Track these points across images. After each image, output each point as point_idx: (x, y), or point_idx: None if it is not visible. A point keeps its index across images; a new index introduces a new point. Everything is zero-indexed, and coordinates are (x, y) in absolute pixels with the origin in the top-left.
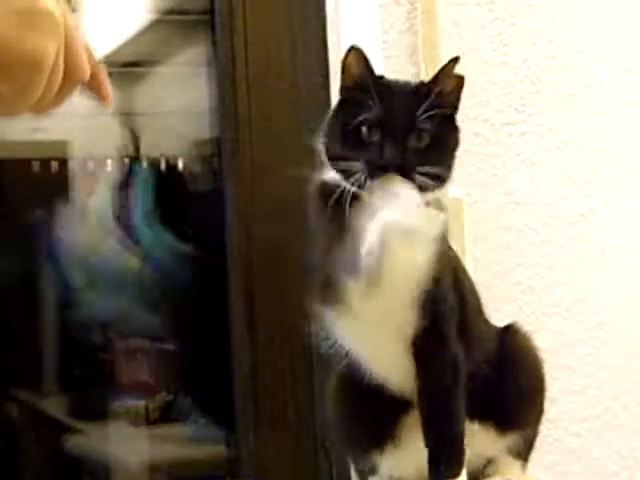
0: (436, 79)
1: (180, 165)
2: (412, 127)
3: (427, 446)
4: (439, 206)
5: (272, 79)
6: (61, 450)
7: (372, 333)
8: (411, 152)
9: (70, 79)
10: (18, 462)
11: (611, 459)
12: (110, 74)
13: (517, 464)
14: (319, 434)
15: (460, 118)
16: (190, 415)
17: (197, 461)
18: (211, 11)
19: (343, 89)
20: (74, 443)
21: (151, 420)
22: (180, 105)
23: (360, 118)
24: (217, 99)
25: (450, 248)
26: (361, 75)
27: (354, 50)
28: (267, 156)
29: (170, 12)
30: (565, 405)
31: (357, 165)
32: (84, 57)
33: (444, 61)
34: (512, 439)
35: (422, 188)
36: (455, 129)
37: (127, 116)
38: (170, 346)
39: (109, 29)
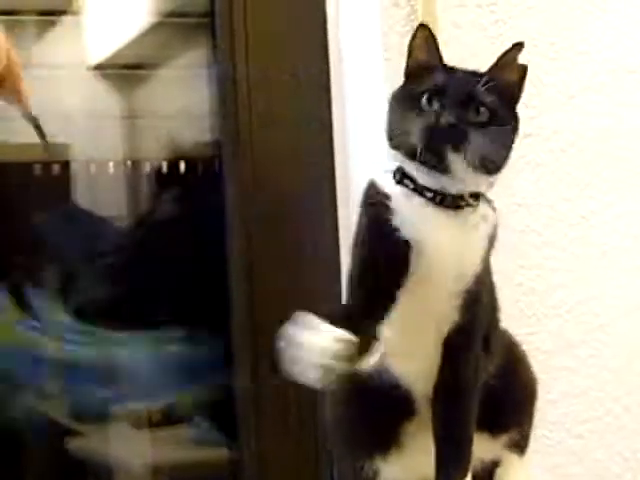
0: (497, 63)
1: (181, 167)
2: (472, 99)
3: (437, 446)
4: (492, 207)
5: (272, 81)
6: (63, 453)
7: (412, 324)
8: (469, 124)
9: None
10: (20, 465)
11: (613, 461)
12: (111, 76)
13: (516, 457)
14: (321, 437)
15: None
16: (192, 418)
17: (199, 464)
18: (211, 14)
19: (407, 67)
20: (76, 446)
21: (153, 422)
22: (181, 107)
23: (422, 88)
24: (218, 101)
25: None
26: (427, 55)
27: (422, 29)
28: (267, 158)
29: (171, 15)
30: (567, 407)
31: (413, 137)
32: None
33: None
34: (508, 436)
35: (472, 165)
36: (513, 119)
37: (128, 119)
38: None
39: (110, 31)
